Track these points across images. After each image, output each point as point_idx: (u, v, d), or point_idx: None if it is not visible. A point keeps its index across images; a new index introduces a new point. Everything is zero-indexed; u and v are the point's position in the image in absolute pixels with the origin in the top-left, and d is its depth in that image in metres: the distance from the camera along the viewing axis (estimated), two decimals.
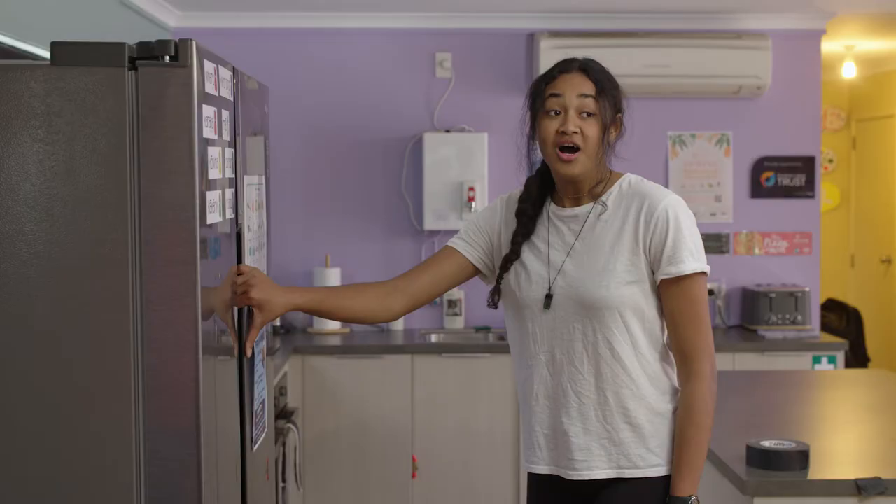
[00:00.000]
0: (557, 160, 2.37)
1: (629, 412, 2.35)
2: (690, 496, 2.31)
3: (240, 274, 2.26)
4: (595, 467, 2.37)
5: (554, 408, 2.40)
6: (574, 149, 2.34)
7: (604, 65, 2.43)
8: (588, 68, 2.38)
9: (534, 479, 2.51)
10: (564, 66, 2.40)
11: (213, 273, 2.04)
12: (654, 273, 2.35)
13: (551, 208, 2.46)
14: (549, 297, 2.38)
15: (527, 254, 2.46)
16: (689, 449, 2.32)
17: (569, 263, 2.39)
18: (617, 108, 2.39)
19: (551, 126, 2.36)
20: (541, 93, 2.40)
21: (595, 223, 2.39)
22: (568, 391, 2.37)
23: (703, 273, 2.35)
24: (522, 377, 2.47)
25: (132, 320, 1.92)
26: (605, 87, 2.37)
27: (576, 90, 2.35)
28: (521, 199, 2.49)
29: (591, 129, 2.34)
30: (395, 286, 2.49)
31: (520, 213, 2.47)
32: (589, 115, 2.34)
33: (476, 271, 2.53)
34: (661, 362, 2.39)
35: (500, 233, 2.51)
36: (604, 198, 2.40)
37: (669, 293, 2.34)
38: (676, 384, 2.40)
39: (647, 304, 2.36)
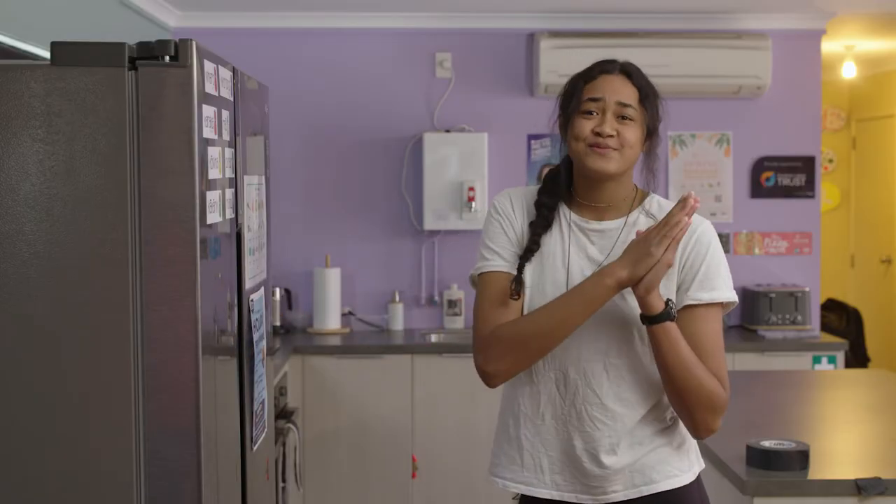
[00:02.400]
0: (589, 154, 2.21)
1: (647, 432, 2.25)
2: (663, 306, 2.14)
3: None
4: (613, 490, 2.26)
5: (564, 430, 2.27)
6: (615, 149, 2.23)
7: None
8: (630, 72, 2.27)
9: (529, 501, 2.35)
10: (605, 67, 2.27)
11: (213, 273, 2.04)
12: (677, 293, 2.23)
13: (571, 217, 2.30)
14: None
15: (542, 263, 2.30)
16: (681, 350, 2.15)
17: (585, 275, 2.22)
18: (655, 112, 2.27)
19: (587, 125, 2.22)
20: (578, 92, 2.25)
21: (628, 240, 2.22)
22: (582, 414, 2.24)
23: (730, 304, 2.27)
24: (524, 393, 2.31)
25: (132, 320, 1.92)
26: (648, 93, 2.26)
27: (616, 95, 2.22)
28: (541, 191, 2.34)
29: (631, 132, 2.21)
30: None
31: (539, 205, 2.31)
32: (627, 119, 2.22)
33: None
34: (655, 384, 2.26)
35: (524, 228, 2.34)
36: (632, 215, 2.28)
37: (697, 317, 2.21)
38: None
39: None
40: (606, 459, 2.23)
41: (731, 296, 2.27)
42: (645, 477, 2.25)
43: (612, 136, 2.21)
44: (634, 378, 2.24)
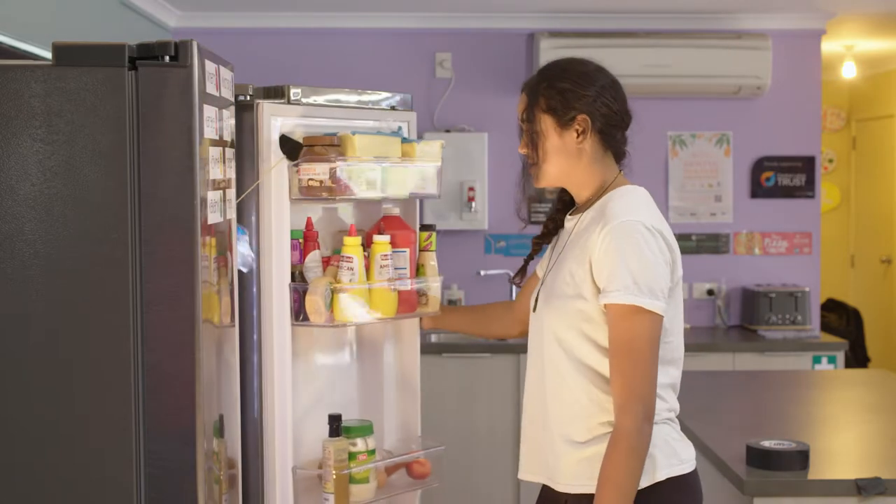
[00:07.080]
0: None
1: (566, 430, 2.26)
2: None
3: None
4: (555, 480, 2.31)
5: (527, 412, 2.40)
6: (533, 164, 2.36)
7: (597, 61, 2.34)
8: (527, 84, 2.36)
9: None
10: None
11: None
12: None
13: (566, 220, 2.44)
14: (536, 300, 2.39)
15: (545, 260, 2.49)
16: (606, 485, 2.14)
17: (549, 274, 2.38)
18: (557, 111, 2.29)
19: None
20: None
21: (570, 236, 2.34)
22: (534, 398, 2.36)
23: (640, 308, 2.14)
24: None
25: (132, 320, 1.92)
26: (534, 98, 2.31)
27: (519, 113, 2.38)
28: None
29: (527, 146, 2.35)
30: (508, 306, 2.70)
31: (549, 219, 2.50)
32: (524, 133, 2.36)
33: None
34: (596, 388, 2.23)
35: None
36: (585, 212, 2.31)
37: (608, 320, 2.18)
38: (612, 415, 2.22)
39: (587, 328, 2.22)
40: (538, 443, 2.34)
41: (628, 298, 2.13)
42: (555, 475, 2.30)
43: (522, 151, 2.38)
44: (556, 371, 2.28)
